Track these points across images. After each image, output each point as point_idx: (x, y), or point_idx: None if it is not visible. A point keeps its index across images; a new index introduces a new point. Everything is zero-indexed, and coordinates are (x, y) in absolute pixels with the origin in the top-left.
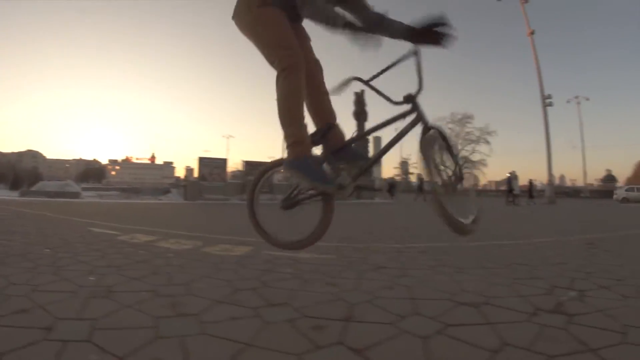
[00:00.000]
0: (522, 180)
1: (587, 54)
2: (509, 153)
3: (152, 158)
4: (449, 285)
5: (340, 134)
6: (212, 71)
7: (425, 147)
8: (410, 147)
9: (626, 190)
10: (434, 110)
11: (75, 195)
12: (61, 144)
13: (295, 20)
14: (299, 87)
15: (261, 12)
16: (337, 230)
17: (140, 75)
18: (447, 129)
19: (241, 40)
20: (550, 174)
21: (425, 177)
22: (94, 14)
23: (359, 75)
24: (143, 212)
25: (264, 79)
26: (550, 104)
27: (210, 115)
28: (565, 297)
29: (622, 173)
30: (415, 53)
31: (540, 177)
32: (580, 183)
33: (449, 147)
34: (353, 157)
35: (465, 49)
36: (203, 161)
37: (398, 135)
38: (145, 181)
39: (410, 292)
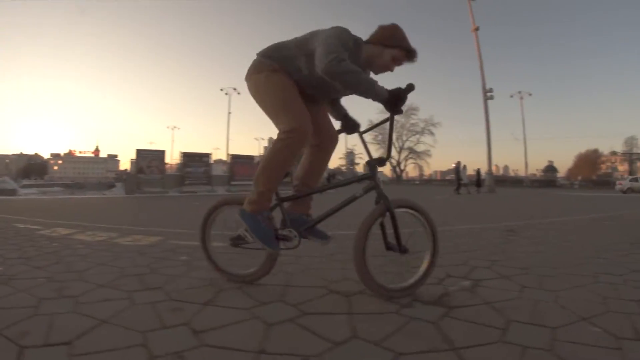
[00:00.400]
0: (469, 170)
1: (531, 49)
2: (454, 144)
3: (96, 151)
4: (333, 274)
5: (306, 205)
6: (157, 61)
7: (370, 217)
8: (355, 138)
9: (630, 181)
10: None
11: (11, 192)
12: (0, 138)
13: (312, 100)
14: (294, 155)
15: (273, 76)
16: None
17: (82, 64)
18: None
19: (187, 33)
20: (490, 164)
21: (357, 238)
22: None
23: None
24: (78, 207)
25: (209, 69)
26: (491, 97)
27: (155, 106)
28: (455, 287)
29: (564, 164)
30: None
31: (483, 167)
32: (522, 173)
33: (394, 219)
34: (304, 234)
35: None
36: (141, 153)
37: (349, 199)
38: (89, 175)
39: (288, 279)
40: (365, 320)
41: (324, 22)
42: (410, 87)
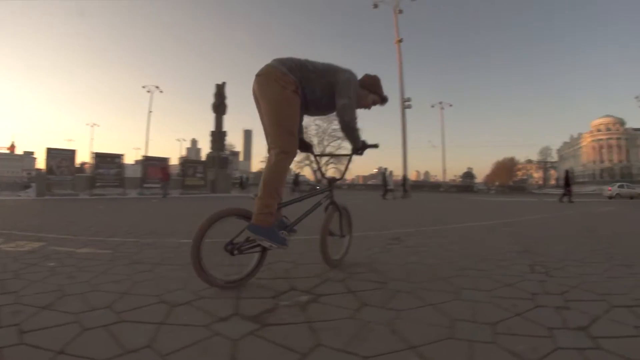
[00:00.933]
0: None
1: (456, 61)
2: (375, 150)
3: (12, 147)
4: (174, 283)
5: (280, 210)
6: (78, 56)
7: (328, 214)
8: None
9: (618, 187)
10: None
11: None
12: None
13: None
14: (288, 170)
15: (293, 97)
16: (151, 224)
17: None
18: (315, 127)
19: (109, 28)
20: (405, 170)
21: (323, 230)
22: None
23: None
24: None
25: (131, 66)
26: (408, 107)
27: (77, 102)
28: (288, 302)
29: (484, 171)
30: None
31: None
32: (441, 179)
33: (340, 216)
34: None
35: (336, 46)
36: (51, 152)
37: (316, 205)
38: (4, 174)
39: (130, 288)
40: (171, 331)
41: (251, 21)
42: (376, 146)
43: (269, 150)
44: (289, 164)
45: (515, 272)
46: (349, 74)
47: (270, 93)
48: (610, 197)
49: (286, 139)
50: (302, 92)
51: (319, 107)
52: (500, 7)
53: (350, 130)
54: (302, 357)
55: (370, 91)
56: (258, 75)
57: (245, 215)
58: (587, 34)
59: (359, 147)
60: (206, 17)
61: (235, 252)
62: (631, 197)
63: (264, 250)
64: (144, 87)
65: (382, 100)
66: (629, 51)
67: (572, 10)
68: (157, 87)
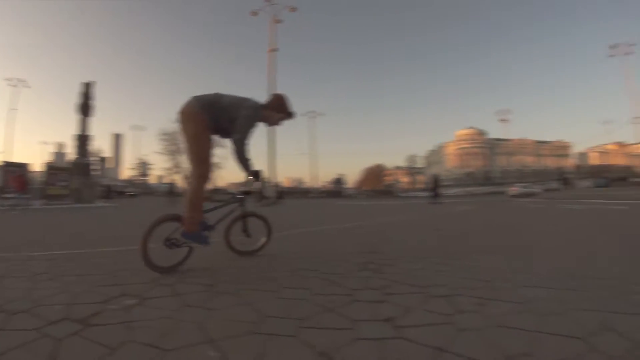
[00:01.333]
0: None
1: (329, 71)
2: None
3: None
4: (17, 293)
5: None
6: None
7: (234, 218)
8: (149, 146)
9: (521, 187)
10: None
11: None
12: None
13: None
14: (205, 189)
15: (204, 132)
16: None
17: None
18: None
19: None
20: (274, 177)
21: (226, 230)
22: None
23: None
24: None
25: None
26: None
27: None
28: (116, 305)
29: (355, 177)
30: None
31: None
32: (313, 185)
33: (245, 221)
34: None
35: (213, 50)
36: None
37: (230, 212)
38: None
39: None
40: (4, 336)
41: (122, 19)
42: (260, 180)
43: (190, 173)
44: (205, 184)
45: (346, 270)
46: (250, 109)
47: (187, 129)
48: (513, 196)
49: (201, 166)
50: (213, 125)
51: (221, 131)
52: (376, 19)
53: (239, 161)
54: (112, 352)
55: (278, 111)
56: (179, 113)
57: (177, 219)
58: (455, 51)
59: (250, 173)
60: (72, 13)
61: (173, 246)
62: (529, 195)
63: (191, 247)
64: (7, 80)
65: (289, 116)
66: (491, 69)
67: (443, 28)
68: (23, 80)
